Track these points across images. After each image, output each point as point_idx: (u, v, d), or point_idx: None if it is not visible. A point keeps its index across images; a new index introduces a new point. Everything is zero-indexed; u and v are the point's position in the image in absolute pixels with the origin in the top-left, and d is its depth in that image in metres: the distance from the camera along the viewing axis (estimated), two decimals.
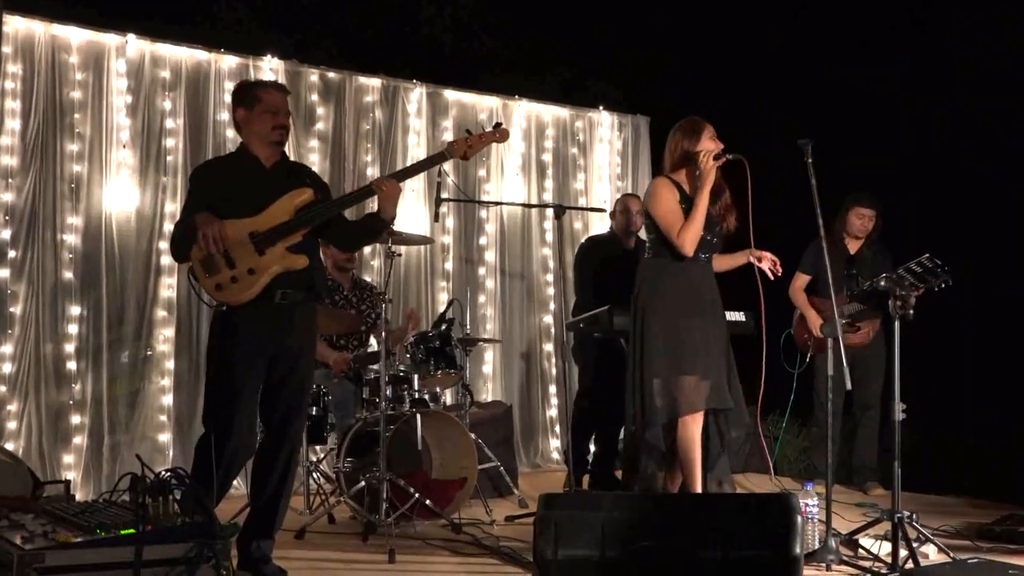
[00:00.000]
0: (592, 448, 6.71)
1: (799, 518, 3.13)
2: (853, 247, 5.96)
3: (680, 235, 4.32)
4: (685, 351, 4.32)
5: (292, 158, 6.31)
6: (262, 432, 4.10)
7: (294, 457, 4.11)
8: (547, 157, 7.59)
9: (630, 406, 4.47)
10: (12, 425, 5.50)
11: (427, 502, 4.81)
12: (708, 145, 4.37)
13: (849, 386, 4.09)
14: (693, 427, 4.32)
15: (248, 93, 4.03)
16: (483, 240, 7.29)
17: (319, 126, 6.60)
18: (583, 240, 6.72)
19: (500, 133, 4.15)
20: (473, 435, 5.33)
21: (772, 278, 4.54)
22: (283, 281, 3.86)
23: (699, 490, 4.30)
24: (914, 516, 4.16)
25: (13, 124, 5.62)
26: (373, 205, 4.20)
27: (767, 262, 4.50)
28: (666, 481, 4.48)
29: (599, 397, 6.12)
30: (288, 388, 3.97)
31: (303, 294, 3.95)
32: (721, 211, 4.47)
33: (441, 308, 6.41)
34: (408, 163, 6.91)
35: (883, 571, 3.96)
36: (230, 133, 6.24)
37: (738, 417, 4.49)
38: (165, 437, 5.91)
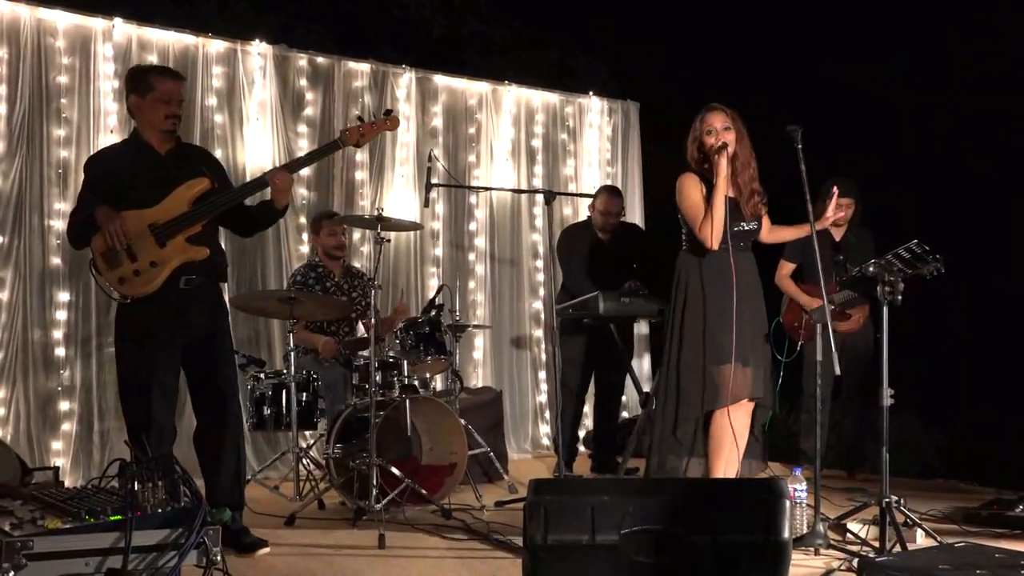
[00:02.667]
0: (581, 434, 6.74)
1: (788, 503, 3.15)
2: (837, 234, 5.97)
3: (701, 230, 4.31)
4: (724, 340, 4.28)
5: (281, 143, 6.36)
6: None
7: (241, 437, 4.23)
8: (537, 143, 7.58)
9: (662, 396, 4.44)
10: (0, 412, 5.48)
11: (417, 488, 4.82)
12: (706, 141, 4.36)
13: (838, 372, 4.10)
14: (725, 418, 4.29)
15: (141, 80, 4.04)
16: (473, 226, 7.28)
17: (308, 111, 6.57)
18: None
19: (391, 121, 4.28)
20: (463, 421, 5.34)
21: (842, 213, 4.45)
22: (185, 269, 3.94)
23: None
24: (901, 501, 4.18)
25: None
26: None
27: (833, 205, 4.50)
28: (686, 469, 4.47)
29: (598, 381, 6.17)
30: (216, 371, 4.08)
31: (205, 278, 4.04)
32: (748, 197, 4.40)
33: (431, 294, 6.40)
34: (397, 150, 6.94)
35: (871, 555, 3.98)
36: (219, 118, 6.22)
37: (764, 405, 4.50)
38: None
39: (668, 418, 4.40)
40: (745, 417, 4.43)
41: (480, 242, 7.30)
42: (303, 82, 6.56)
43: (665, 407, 4.43)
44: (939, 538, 4.12)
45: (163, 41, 6.05)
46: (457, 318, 5.88)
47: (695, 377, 4.32)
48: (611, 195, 6.29)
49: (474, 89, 7.30)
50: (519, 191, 7.30)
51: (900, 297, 4.20)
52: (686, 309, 4.39)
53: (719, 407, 4.29)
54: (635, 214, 7.92)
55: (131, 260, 3.87)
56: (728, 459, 4.37)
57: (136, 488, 2.87)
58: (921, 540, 4.20)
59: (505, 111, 7.40)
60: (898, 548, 3.96)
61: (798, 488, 4.18)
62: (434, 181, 5.62)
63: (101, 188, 3.98)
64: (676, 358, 4.40)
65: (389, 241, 5.28)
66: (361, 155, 6.76)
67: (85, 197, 4.04)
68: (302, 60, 6.56)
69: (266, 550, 3.98)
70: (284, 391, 5.30)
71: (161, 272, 3.89)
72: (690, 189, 4.39)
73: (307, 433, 5.88)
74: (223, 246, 4.40)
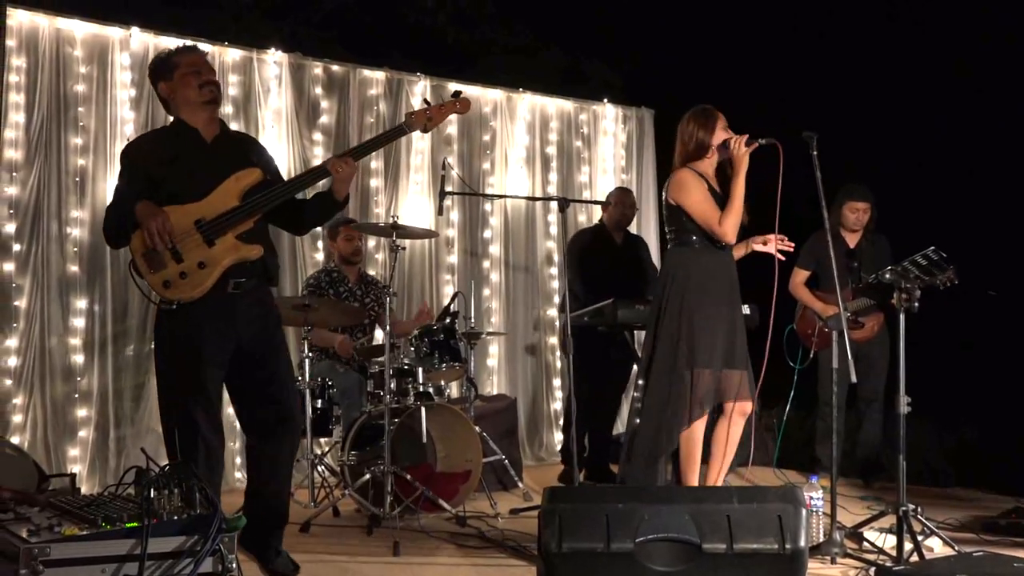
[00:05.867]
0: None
1: (804, 511, 3.13)
2: (852, 240, 5.94)
3: (722, 224, 4.27)
4: (704, 345, 4.27)
5: (296, 151, 6.37)
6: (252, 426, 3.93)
7: (298, 443, 4.04)
8: (551, 150, 7.58)
9: (653, 398, 4.37)
10: (18, 419, 5.52)
11: (432, 495, 4.82)
12: (722, 136, 4.34)
13: (854, 379, 4.08)
14: (699, 425, 4.30)
15: (162, 65, 3.75)
16: (487, 233, 7.28)
17: (323, 119, 6.60)
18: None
19: (461, 104, 3.88)
20: (478, 428, 5.34)
21: (784, 258, 4.45)
22: (235, 271, 3.62)
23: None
24: (919, 509, 4.16)
25: (17, 117, 5.62)
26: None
27: (773, 243, 4.43)
28: (677, 475, 4.46)
29: (600, 389, 6.14)
30: (276, 378, 3.79)
31: (255, 281, 3.72)
32: None
33: (445, 301, 6.41)
34: (412, 157, 6.95)
35: (888, 564, 3.96)
36: (234, 126, 6.22)
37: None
38: None
39: (657, 422, 4.34)
40: (737, 425, 4.38)
41: (495, 249, 7.30)
42: (318, 90, 6.59)
43: (651, 410, 4.37)
44: (957, 547, 4.10)
45: None
46: (472, 325, 5.88)
47: (681, 381, 4.27)
48: (624, 191, 6.42)
49: (488, 96, 7.31)
50: (533, 198, 7.31)
51: (917, 304, 4.19)
52: (679, 310, 4.32)
53: (700, 415, 4.27)
54: (650, 221, 7.91)
55: (176, 261, 3.52)
56: (713, 465, 4.38)
57: (152, 495, 2.88)
58: (939, 549, 4.18)
59: (519, 118, 7.41)
60: (915, 557, 3.94)
61: (814, 496, 4.16)
62: (448, 189, 5.63)
63: (139, 178, 3.62)
64: (669, 361, 4.33)
65: (404, 249, 5.30)
66: (376, 162, 6.77)
67: (122, 189, 3.67)
68: (317, 68, 6.59)
69: None
70: (299, 398, 5.31)
71: (211, 274, 3.55)
72: (695, 184, 4.34)
73: (322, 440, 5.88)
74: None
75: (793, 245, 4.48)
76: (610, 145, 7.87)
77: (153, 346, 3.80)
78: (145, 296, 3.77)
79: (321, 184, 3.94)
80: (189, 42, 4.08)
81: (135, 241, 3.56)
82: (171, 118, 3.84)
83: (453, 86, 7.13)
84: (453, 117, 6.92)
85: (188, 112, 3.72)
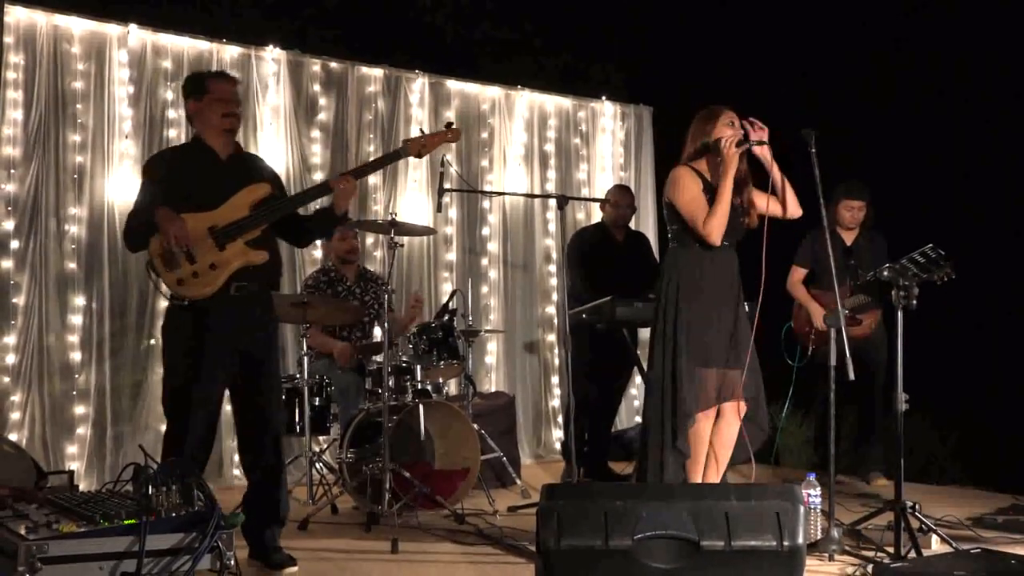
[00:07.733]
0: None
1: (802, 508, 3.14)
2: (848, 238, 5.93)
3: (706, 225, 4.21)
4: (705, 344, 4.25)
5: (294, 148, 6.38)
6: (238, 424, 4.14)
7: (280, 442, 4.18)
8: (550, 147, 7.58)
9: (656, 399, 4.35)
10: (16, 416, 5.52)
11: (430, 492, 4.82)
12: (724, 132, 4.24)
13: (852, 377, 4.07)
14: (705, 423, 4.28)
15: (197, 84, 4.06)
16: (486, 231, 7.28)
17: (321, 116, 6.59)
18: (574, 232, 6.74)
19: (452, 133, 4.27)
20: (476, 425, 5.34)
21: (757, 137, 4.21)
22: (241, 275, 3.91)
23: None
24: (916, 506, 4.16)
25: (15, 114, 5.62)
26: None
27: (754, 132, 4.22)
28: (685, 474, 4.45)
29: (600, 387, 6.14)
30: (264, 378, 4.03)
31: (257, 285, 4.00)
32: (745, 204, 4.34)
33: (444, 298, 6.41)
34: None
35: (886, 561, 3.96)
36: None
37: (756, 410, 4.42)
38: None
39: (661, 422, 4.30)
40: (733, 425, 4.35)
41: (493, 247, 7.30)
42: (316, 87, 6.58)
43: (654, 410, 4.34)
44: (954, 544, 4.10)
45: (177, 47, 6.08)
46: (470, 323, 5.88)
47: (677, 380, 4.25)
48: (622, 189, 6.42)
49: (487, 94, 7.31)
50: (532, 196, 7.30)
51: (915, 302, 4.19)
52: (678, 310, 4.30)
53: (700, 410, 4.25)
54: (648, 219, 7.92)
55: (190, 262, 3.83)
56: (709, 465, 4.34)
57: (150, 492, 2.88)
58: (936, 546, 4.18)
59: (518, 116, 7.40)
60: (913, 554, 3.94)
61: (812, 493, 4.16)
62: (447, 186, 5.63)
63: (160, 189, 3.94)
64: (672, 360, 4.30)
65: (402, 246, 5.29)
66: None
67: (144, 198, 3.98)
68: (315, 66, 6.58)
69: (293, 569, 3.93)
70: (297, 396, 5.31)
71: (221, 274, 3.85)
72: (689, 182, 4.29)
73: (320, 438, 5.89)
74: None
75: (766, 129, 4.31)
76: (608, 143, 7.86)
77: (161, 339, 4.07)
78: (161, 294, 4.08)
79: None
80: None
81: (153, 244, 3.87)
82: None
83: (452, 83, 7.14)
84: (451, 114, 7.06)
85: (209, 134, 4.03)
